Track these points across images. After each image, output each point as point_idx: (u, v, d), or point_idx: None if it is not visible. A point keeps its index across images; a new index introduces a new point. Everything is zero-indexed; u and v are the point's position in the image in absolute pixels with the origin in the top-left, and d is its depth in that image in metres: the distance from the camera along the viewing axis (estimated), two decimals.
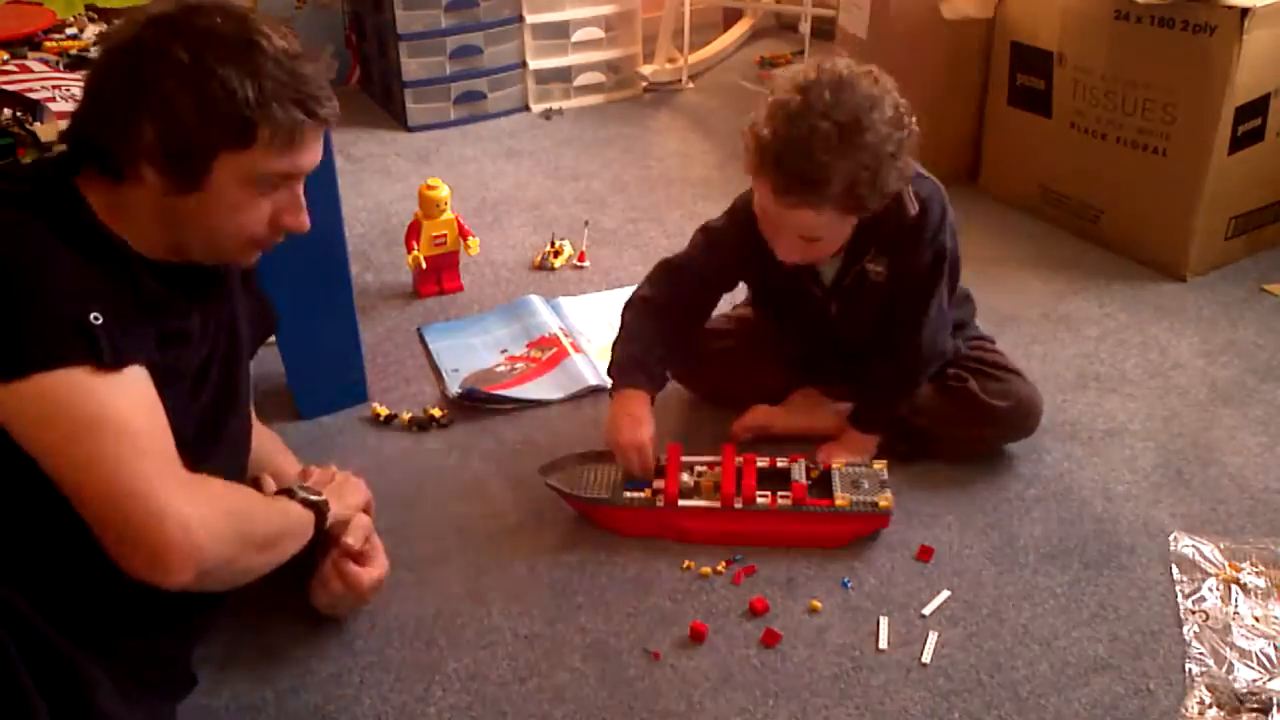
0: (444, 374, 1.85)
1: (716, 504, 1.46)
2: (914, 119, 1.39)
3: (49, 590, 0.98)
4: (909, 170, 1.40)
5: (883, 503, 1.45)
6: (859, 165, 1.32)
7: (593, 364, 1.85)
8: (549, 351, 1.89)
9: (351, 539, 1.29)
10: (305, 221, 1.14)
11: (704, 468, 1.52)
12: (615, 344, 1.58)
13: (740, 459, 1.51)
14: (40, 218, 1.01)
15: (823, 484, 1.49)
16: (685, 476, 1.50)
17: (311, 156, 1.11)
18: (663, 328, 1.57)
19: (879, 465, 1.51)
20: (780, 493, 1.46)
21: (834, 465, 1.51)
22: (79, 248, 1.02)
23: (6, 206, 1.01)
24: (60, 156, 1.14)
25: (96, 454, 0.97)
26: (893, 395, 1.57)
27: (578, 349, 1.89)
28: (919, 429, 1.59)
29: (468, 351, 1.92)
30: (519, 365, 1.87)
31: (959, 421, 1.57)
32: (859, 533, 1.47)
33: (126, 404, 1.00)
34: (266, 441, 1.45)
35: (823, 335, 1.61)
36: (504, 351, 1.92)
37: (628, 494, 1.48)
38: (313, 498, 1.24)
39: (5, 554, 0.99)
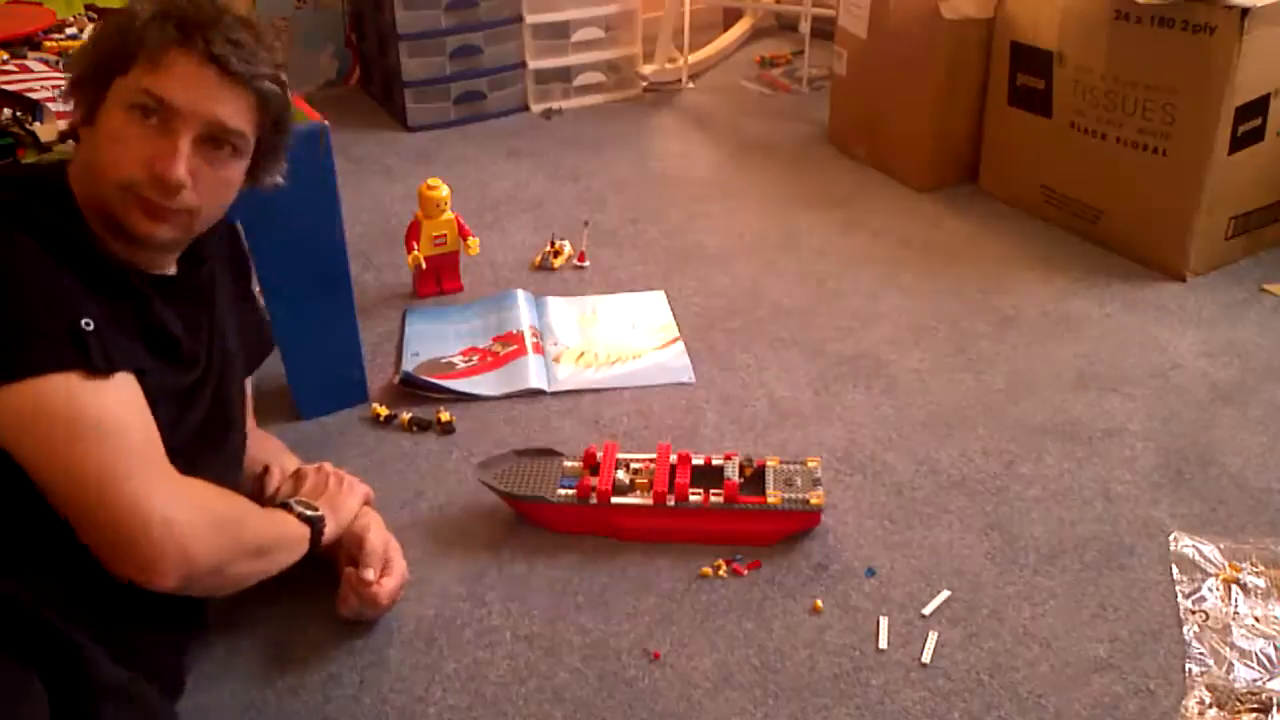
0: (405, 356, 1.87)
1: (649, 501, 1.46)
2: None
3: (41, 575, 0.98)
4: None
5: (814, 500, 1.45)
6: None
7: (545, 366, 1.85)
8: (509, 348, 1.89)
9: (370, 573, 1.29)
10: (175, 170, 1.06)
11: (639, 465, 1.52)
12: None
13: (675, 456, 1.51)
14: (34, 234, 1.01)
15: (755, 481, 1.49)
16: (620, 474, 1.50)
17: (181, 87, 1.05)
18: None
19: (813, 463, 1.52)
20: (713, 490, 1.46)
21: (768, 463, 1.51)
22: (72, 265, 1.02)
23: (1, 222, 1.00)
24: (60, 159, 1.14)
25: (85, 457, 0.98)
26: None
27: (539, 349, 1.88)
28: None
29: (437, 338, 1.93)
30: (474, 358, 1.88)
31: None
32: (791, 530, 1.47)
33: (116, 407, 1.01)
34: (268, 447, 1.45)
35: None
36: (469, 342, 1.93)
37: (562, 491, 1.48)
38: (308, 513, 1.24)
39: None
